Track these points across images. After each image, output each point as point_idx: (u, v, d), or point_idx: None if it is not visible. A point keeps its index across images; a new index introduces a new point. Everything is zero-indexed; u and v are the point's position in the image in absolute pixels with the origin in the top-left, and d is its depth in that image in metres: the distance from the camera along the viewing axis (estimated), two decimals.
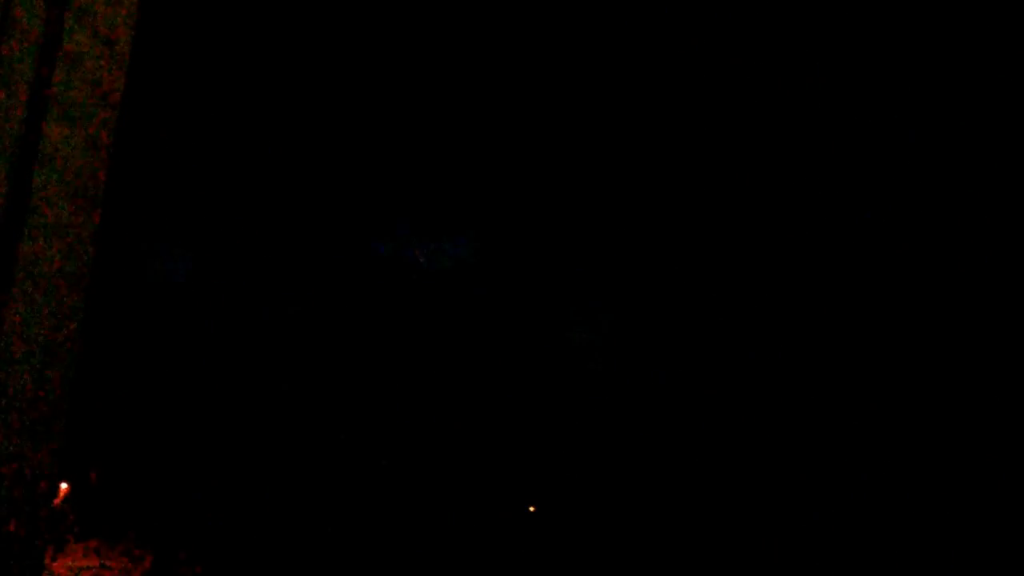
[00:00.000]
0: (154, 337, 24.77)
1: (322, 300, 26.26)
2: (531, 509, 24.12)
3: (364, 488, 26.14)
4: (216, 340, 24.95)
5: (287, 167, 25.15)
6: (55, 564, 15.54)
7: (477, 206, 26.05)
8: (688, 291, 25.09)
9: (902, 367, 22.93)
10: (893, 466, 22.65)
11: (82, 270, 2.15)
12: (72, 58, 2.13)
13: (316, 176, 25.64)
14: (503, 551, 23.58)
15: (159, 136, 23.82)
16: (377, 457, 26.79)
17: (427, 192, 25.94)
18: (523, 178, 25.92)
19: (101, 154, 2.24)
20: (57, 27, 2.08)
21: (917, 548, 22.00)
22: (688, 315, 25.06)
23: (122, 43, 2.45)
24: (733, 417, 24.51)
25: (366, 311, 27.02)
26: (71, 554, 17.63)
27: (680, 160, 24.35)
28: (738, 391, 24.52)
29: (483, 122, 25.73)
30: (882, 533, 22.54)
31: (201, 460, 24.27)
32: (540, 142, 25.35)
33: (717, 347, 24.78)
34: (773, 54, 22.61)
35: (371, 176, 26.23)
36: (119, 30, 2.38)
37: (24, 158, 2.04)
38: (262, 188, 25.42)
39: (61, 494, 20.26)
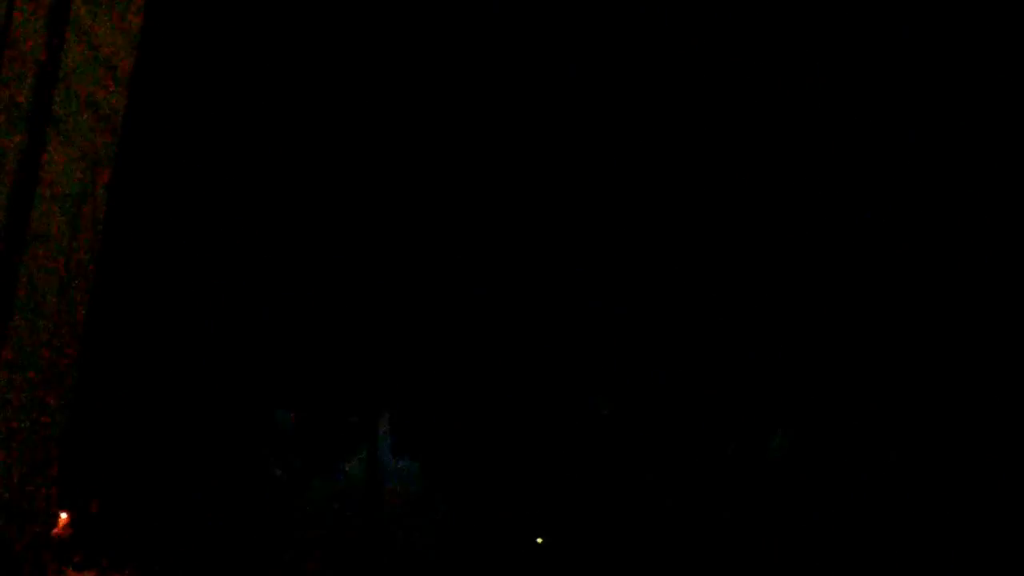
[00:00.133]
0: (155, 366, 24.69)
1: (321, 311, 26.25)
2: (539, 540, 23.87)
3: (369, 517, 25.91)
4: (217, 366, 24.86)
5: (286, 181, 25.25)
6: None
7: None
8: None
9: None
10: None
11: (83, 295, 2.11)
12: (73, 80, 2.11)
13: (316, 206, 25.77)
14: None
15: (160, 156, 23.91)
16: (383, 480, 26.57)
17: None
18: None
19: (102, 177, 2.21)
20: (58, 49, 2.06)
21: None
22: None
23: (124, 65, 2.44)
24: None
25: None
26: None
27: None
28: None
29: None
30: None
31: (203, 490, 24.08)
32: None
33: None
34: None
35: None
36: (121, 52, 2.36)
37: (25, 182, 2.01)
38: (261, 205, 25.48)
39: (60, 523, 19.99)
